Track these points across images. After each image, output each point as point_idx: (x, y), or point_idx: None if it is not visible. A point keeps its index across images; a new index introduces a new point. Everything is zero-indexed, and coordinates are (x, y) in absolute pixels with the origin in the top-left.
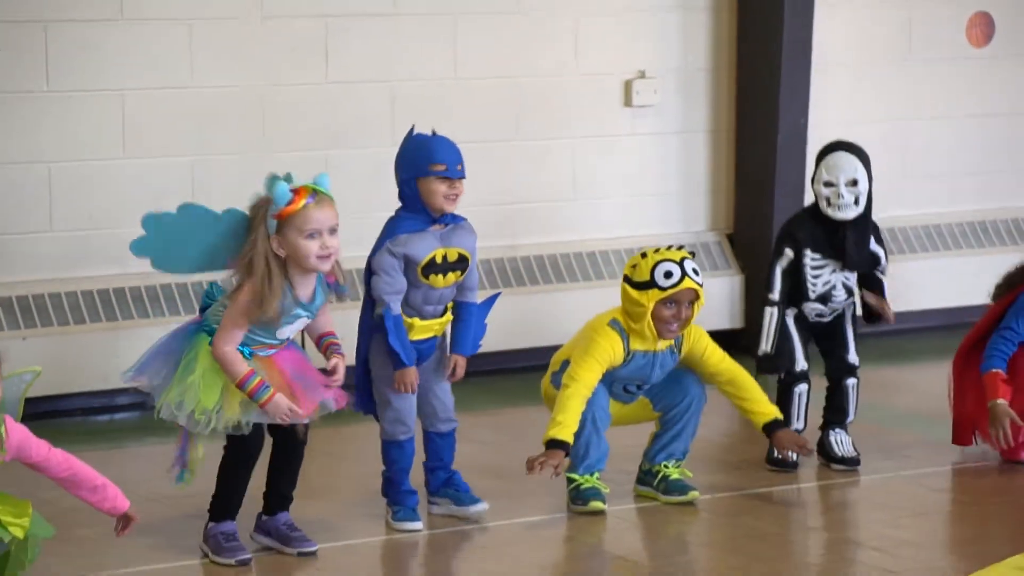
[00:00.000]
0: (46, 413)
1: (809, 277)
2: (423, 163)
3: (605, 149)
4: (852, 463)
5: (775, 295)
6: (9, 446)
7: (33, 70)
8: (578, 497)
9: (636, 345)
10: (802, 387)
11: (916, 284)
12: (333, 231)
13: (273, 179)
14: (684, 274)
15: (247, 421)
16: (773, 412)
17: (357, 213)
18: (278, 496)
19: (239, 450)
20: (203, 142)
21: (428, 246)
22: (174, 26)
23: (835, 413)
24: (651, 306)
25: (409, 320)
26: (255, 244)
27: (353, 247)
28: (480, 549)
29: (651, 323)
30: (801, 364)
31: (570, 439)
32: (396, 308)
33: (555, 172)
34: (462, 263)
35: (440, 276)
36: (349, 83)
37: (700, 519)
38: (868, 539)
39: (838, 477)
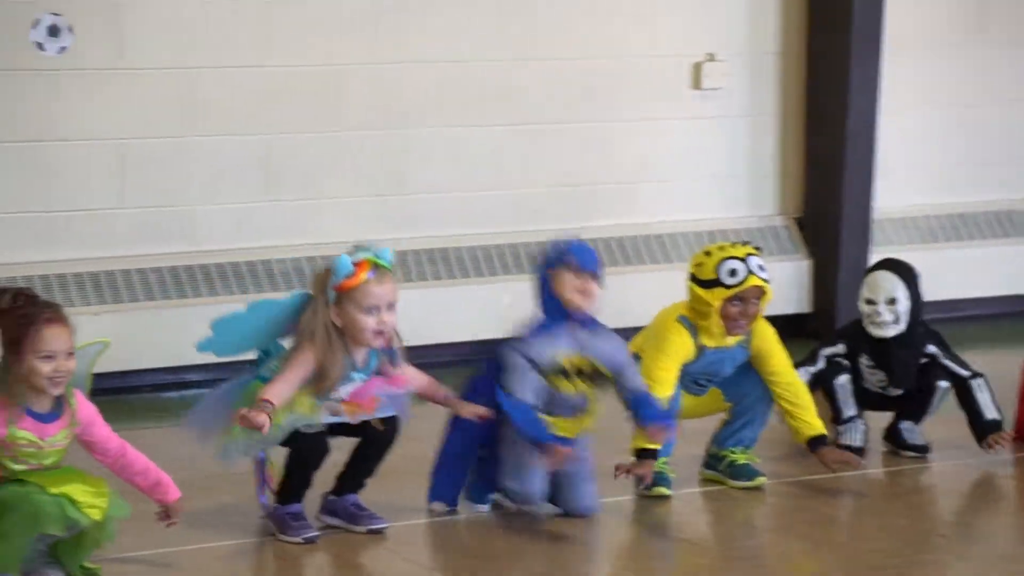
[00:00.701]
0: (116, 389)
1: (866, 375)
2: (556, 259)
3: (673, 132)
4: (922, 451)
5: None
6: (80, 419)
7: (107, 47)
8: (642, 482)
9: (705, 340)
10: (843, 377)
11: (988, 270)
12: (391, 307)
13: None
14: (749, 271)
15: (316, 421)
16: (820, 427)
17: (427, 192)
18: (353, 481)
19: (305, 451)
20: (275, 120)
21: (557, 349)
22: (249, 4)
23: (916, 409)
24: (718, 304)
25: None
26: (315, 314)
27: (423, 227)
28: (547, 531)
29: (719, 321)
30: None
31: (660, 446)
32: (530, 399)
33: (623, 155)
34: (595, 376)
35: (567, 381)
36: (421, 63)
37: (767, 504)
38: (937, 526)
39: (907, 464)
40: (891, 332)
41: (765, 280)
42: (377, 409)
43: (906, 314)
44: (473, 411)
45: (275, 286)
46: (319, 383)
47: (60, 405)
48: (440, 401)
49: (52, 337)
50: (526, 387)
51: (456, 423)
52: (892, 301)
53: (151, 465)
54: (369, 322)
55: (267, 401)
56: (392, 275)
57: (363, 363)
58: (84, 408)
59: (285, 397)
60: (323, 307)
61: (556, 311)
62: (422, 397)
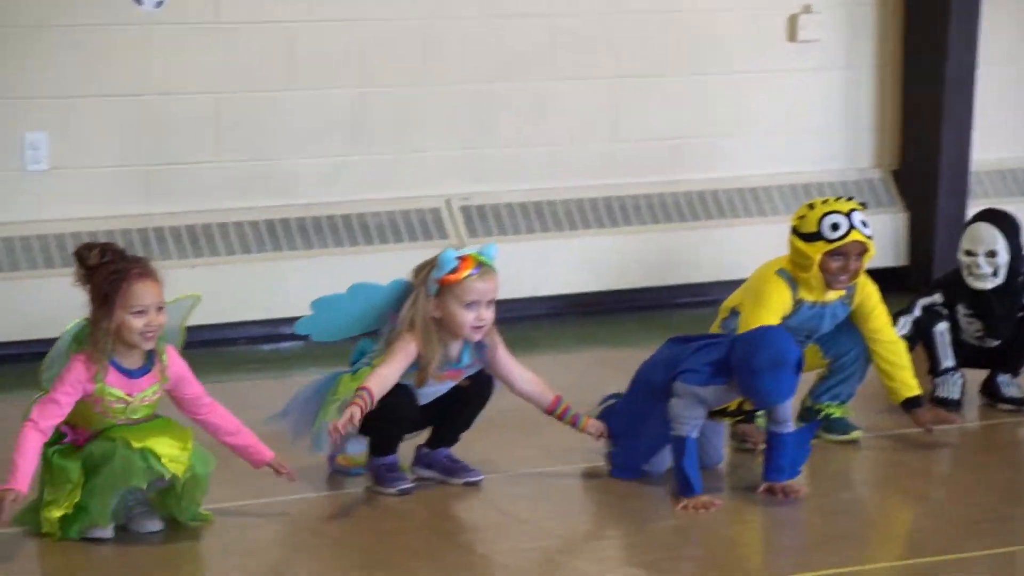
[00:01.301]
0: (212, 342)
1: (963, 325)
2: (742, 377)
3: (768, 85)
4: (1019, 404)
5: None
6: (170, 374)
7: (204, 2)
8: (738, 435)
9: (804, 295)
10: (942, 325)
11: None
12: (491, 304)
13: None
14: (852, 226)
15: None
16: (916, 388)
17: (519, 146)
18: (448, 435)
19: (393, 404)
20: (367, 74)
21: (728, 398)
22: None
23: (1012, 360)
24: (818, 258)
25: None
26: (415, 305)
27: (515, 181)
28: (641, 486)
29: (819, 274)
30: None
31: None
32: (693, 433)
33: (718, 108)
34: (751, 415)
35: (727, 417)
36: (510, 17)
37: (862, 457)
38: None
39: (1004, 417)
40: (989, 284)
41: (868, 237)
42: (464, 375)
43: (1005, 267)
44: (597, 428)
45: (368, 239)
46: (417, 374)
47: (150, 360)
48: (552, 411)
49: (143, 291)
50: (697, 416)
51: (634, 396)
52: (992, 254)
53: (242, 428)
54: (469, 317)
55: (365, 389)
56: (495, 273)
57: (456, 357)
58: (175, 364)
59: (387, 386)
60: (423, 299)
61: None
62: (528, 401)
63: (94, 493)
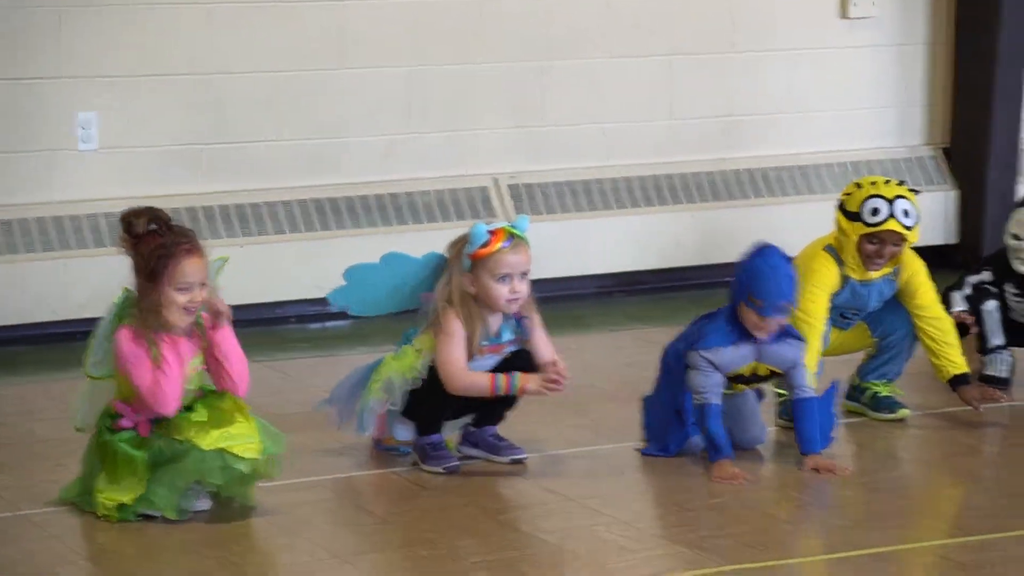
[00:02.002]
0: (262, 320)
1: (1012, 304)
2: (745, 291)
3: (820, 61)
4: None
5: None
6: (209, 337)
7: None
8: (785, 412)
9: (850, 272)
10: (991, 303)
11: None
12: (524, 275)
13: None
14: (891, 214)
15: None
16: (963, 366)
17: (570, 124)
18: (493, 413)
19: (436, 381)
20: (418, 52)
21: (739, 360)
22: None
23: None
24: (855, 238)
25: None
26: (450, 281)
27: (567, 159)
28: (684, 465)
29: (855, 254)
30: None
31: (813, 384)
32: (715, 400)
33: (770, 85)
34: (772, 376)
35: (744, 385)
36: None
37: (909, 436)
38: None
39: None
40: None
41: (907, 227)
42: (506, 351)
43: None
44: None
45: (417, 218)
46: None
47: (190, 329)
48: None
49: (190, 269)
50: (714, 382)
51: (666, 377)
52: None
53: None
54: (502, 290)
55: (504, 380)
56: (527, 245)
57: (496, 332)
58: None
59: (462, 366)
60: (457, 274)
61: (741, 329)
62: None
63: (162, 484)
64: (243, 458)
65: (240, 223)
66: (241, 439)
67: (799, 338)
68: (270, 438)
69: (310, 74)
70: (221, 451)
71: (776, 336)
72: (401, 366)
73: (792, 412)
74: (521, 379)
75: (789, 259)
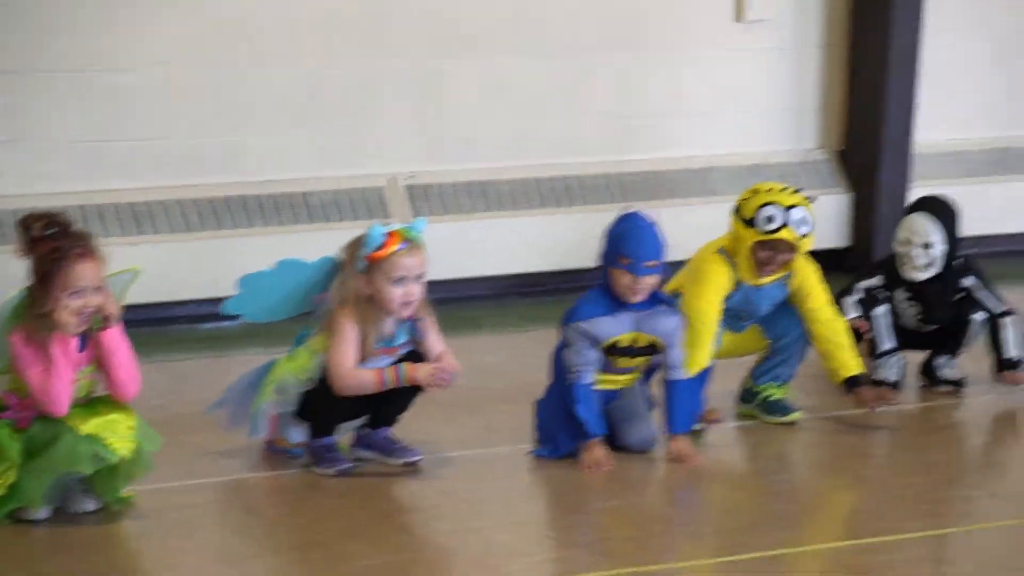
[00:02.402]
0: (154, 320)
1: (902, 309)
2: (614, 253)
3: (716, 65)
4: (958, 385)
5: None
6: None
7: None
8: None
9: (743, 276)
10: (882, 308)
11: None
12: (419, 278)
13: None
14: (786, 223)
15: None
16: (856, 367)
17: (470, 124)
18: (387, 415)
19: (328, 390)
20: (318, 51)
21: (615, 329)
22: None
23: (950, 342)
24: (749, 244)
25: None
26: (345, 282)
27: (464, 160)
28: (576, 465)
29: (748, 258)
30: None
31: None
32: (586, 378)
33: (666, 87)
34: (652, 349)
35: (627, 358)
36: None
37: (801, 439)
38: (972, 462)
39: (942, 399)
40: (924, 275)
41: (800, 236)
42: (399, 353)
43: (941, 257)
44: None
45: (313, 218)
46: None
47: (86, 336)
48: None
49: (82, 273)
50: (587, 359)
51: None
52: (927, 245)
53: (132, 381)
54: (397, 292)
55: (391, 372)
56: (423, 248)
57: (390, 334)
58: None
59: (353, 366)
60: (352, 276)
61: (612, 296)
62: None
63: (31, 474)
64: (114, 450)
65: (133, 222)
66: (118, 431)
67: (671, 304)
68: (147, 437)
69: (207, 71)
70: (95, 438)
71: (650, 302)
72: (294, 367)
73: (663, 391)
74: (408, 369)
75: (654, 222)
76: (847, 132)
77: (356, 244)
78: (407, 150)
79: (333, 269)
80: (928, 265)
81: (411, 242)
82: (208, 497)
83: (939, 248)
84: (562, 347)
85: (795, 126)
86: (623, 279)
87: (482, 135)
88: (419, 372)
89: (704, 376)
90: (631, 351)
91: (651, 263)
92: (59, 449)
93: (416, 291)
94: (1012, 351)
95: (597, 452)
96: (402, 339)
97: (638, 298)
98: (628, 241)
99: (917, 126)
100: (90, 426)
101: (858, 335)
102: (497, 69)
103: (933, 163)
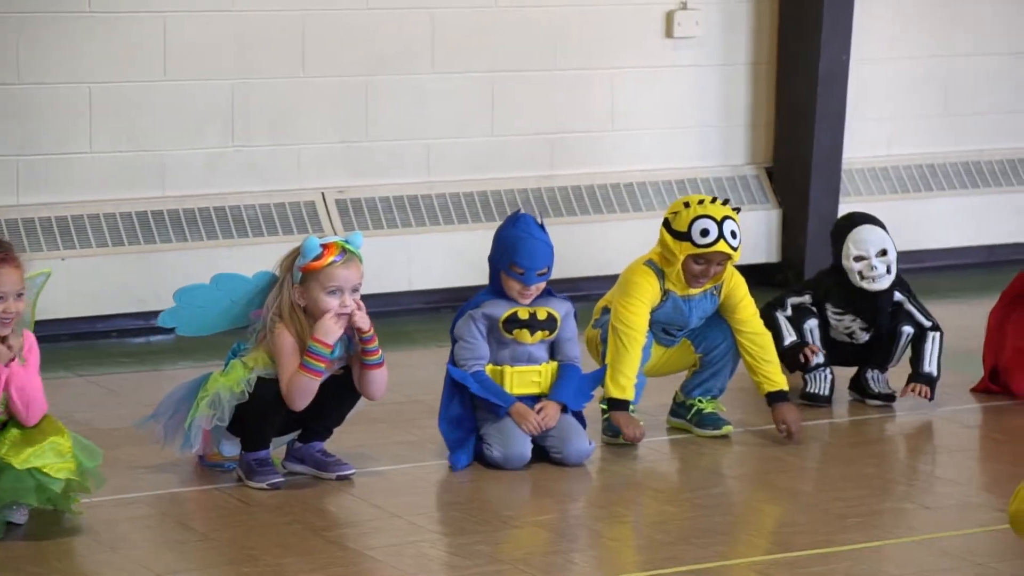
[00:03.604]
0: (83, 334)
1: (833, 323)
2: (506, 260)
3: (645, 80)
4: (887, 399)
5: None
6: (28, 356)
7: None
8: (610, 428)
9: (672, 287)
10: (812, 321)
11: (955, 221)
12: (355, 291)
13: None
14: (720, 236)
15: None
16: (780, 383)
17: (396, 140)
18: (320, 428)
19: (260, 397)
20: (243, 65)
21: (509, 306)
22: None
23: (881, 356)
24: (682, 257)
25: (499, 368)
26: (281, 293)
27: (392, 175)
28: (513, 481)
29: (680, 272)
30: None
31: (631, 396)
32: (476, 368)
33: (594, 103)
34: (551, 323)
35: (526, 331)
36: (389, 9)
37: (733, 452)
38: (902, 475)
39: (872, 413)
40: (886, 283)
41: (734, 248)
42: (336, 367)
43: (894, 263)
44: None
45: (243, 232)
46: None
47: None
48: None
49: (3, 279)
50: (477, 352)
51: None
52: (883, 252)
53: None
54: (332, 303)
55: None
56: (359, 261)
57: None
58: (32, 351)
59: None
60: (288, 286)
61: (504, 296)
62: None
63: None
64: (55, 478)
65: (61, 236)
66: (54, 457)
67: (565, 300)
68: (85, 453)
69: (132, 85)
70: (33, 471)
71: (541, 296)
72: (228, 381)
73: (559, 370)
74: (319, 339)
75: (543, 226)
76: (776, 148)
77: (293, 255)
78: (335, 165)
79: (270, 284)
80: (887, 273)
81: (348, 254)
82: (140, 512)
83: (892, 254)
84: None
85: (724, 142)
86: (515, 285)
87: (406, 150)
88: (329, 330)
89: (599, 374)
90: (531, 324)
91: (542, 271)
92: (3, 484)
93: (351, 303)
94: (928, 366)
95: (521, 409)
96: (339, 353)
97: (527, 301)
98: (520, 251)
99: (846, 142)
100: (24, 457)
101: (805, 360)
102: (419, 84)
103: (862, 179)
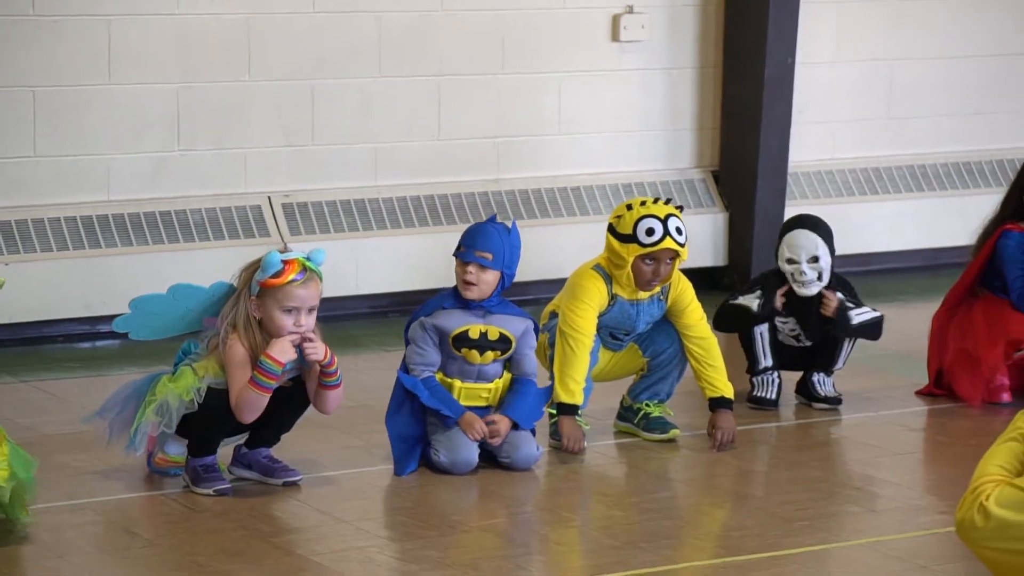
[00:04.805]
0: (29, 339)
1: (779, 325)
2: (457, 248)
3: (591, 84)
4: (833, 403)
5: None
6: None
7: None
8: (558, 433)
9: (619, 291)
10: (761, 325)
11: (899, 224)
12: (311, 311)
13: (272, 252)
14: (666, 233)
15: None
16: (724, 390)
17: (342, 143)
18: (268, 434)
19: (210, 404)
20: (188, 69)
21: (462, 321)
22: None
23: (826, 359)
24: (631, 260)
25: (449, 380)
26: (237, 304)
27: (338, 178)
28: (461, 486)
29: (630, 275)
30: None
31: (580, 401)
32: (425, 374)
33: (540, 107)
34: (503, 343)
35: (475, 352)
36: (335, 13)
37: (681, 456)
38: (848, 478)
39: (818, 416)
40: (815, 289)
41: (680, 244)
42: (286, 377)
43: (827, 269)
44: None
45: (189, 236)
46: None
47: None
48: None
49: None
50: (428, 359)
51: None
52: (814, 259)
53: None
54: (287, 322)
55: (258, 372)
56: (319, 279)
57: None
58: None
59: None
60: (245, 298)
61: (461, 299)
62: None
63: None
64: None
65: (5, 241)
66: None
67: (525, 316)
68: (20, 463)
69: (76, 89)
70: None
71: (500, 305)
72: (178, 388)
73: (511, 386)
74: (272, 355)
75: (506, 227)
76: (722, 151)
77: (253, 267)
78: (281, 169)
79: (227, 295)
80: (817, 279)
81: (308, 273)
82: (86, 518)
83: (825, 260)
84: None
85: (670, 145)
86: (457, 271)
87: (355, 154)
88: (283, 349)
89: (549, 390)
90: (481, 344)
91: (482, 252)
92: None
93: (306, 322)
94: (855, 319)
95: (469, 419)
96: (289, 365)
97: (471, 293)
98: (467, 233)
99: (791, 146)
100: None
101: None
102: (365, 87)
103: (808, 183)
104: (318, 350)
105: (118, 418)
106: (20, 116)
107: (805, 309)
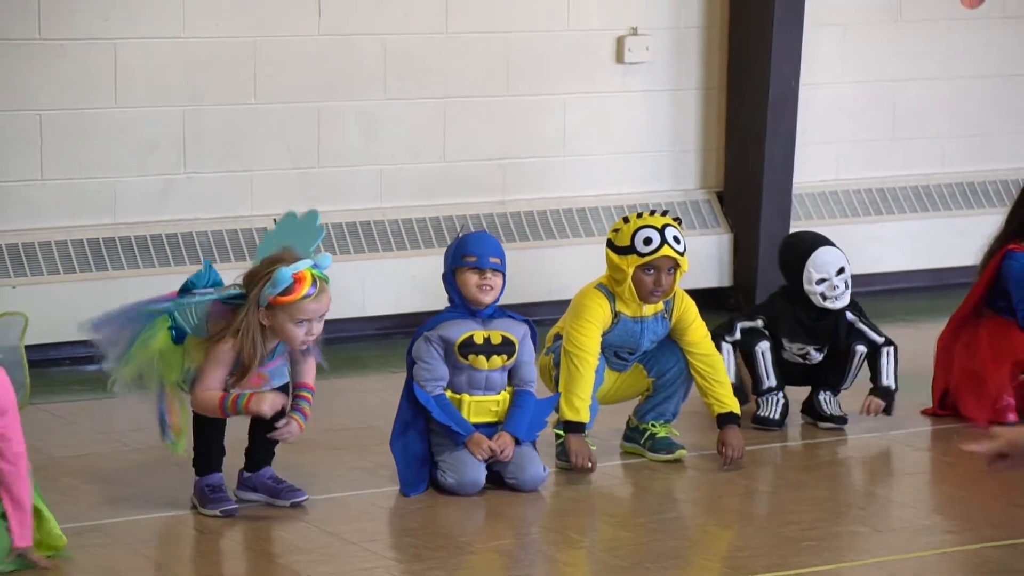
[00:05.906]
0: (36, 362)
1: (786, 345)
2: (458, 257)
3: (596, 106)
4: (840, 422)
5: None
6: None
7: (25, 19)
8: (564, 454)
9: (622, 309)
10: (763, 344)
11: (904, 244)
12: (321, 318)
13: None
14: (664, 241)
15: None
16: (731, 405)
17: (348, 166)
18: (261, 452)
19: (203, 422)
20: (194, 92)
21: (464, 328)
22: None
23: (833, 377)
24: (631, 271)
25: (458, 396)
26: (248, 312)
27: (344, 200)
28: (468, 507)
29: (632, 288)
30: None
31: (587, 419)
32: (437, 391)
33: (545, 128)
34: (507, 347)
35: (482, 357)
36: (341, 36)
37: (687, 476)
38: (854, 498)
39: (824, 436)
40: (847, 300)
41: (679, 252)
42: (265, 383)
43: (849, 278)
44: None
45: (195, 259)
46: (235, 378)
47: None
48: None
49: None
50: (436, 373)
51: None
52: (841, 271)
53: (27, 502)
54: (299, 333)
55: (232, 397)
56: (328, 287)
57: (270, 352)
58: (5, 392)
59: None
60: (254, 308)
61: (463, 305)
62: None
63: None
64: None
65: (12, 264)
66: None
67: (523, 320)
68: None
69: (83, 112)
70: None
71: (498, 313)
72: (170, 376)
73: (512, 398)
74: (249, 399)
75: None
76: (727, 173)
77: (262, 281)
78: (287, 191)
79: (232, 298)
80: (846, 290)
81: (319, 285)
82: (93, 540)
83: (848, 270)
84: (410, 379)
85: (675, 167)
86: (471, 279)
87: (361, 176)
88: (263, 404)
89: (555, 399)
90: (486, 348)
91: (495, 259)
92: None
93: (317, 329)
94: (886, 379)
95: (477, 439)
96: (280, 350)
97: (489, 297)
98: (470, 243)
99: (796, 167)
100: None
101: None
102: (370, 110)
103: (812, 203)
104: (292, 432)
105: (110, 337)
106: (27, 139)
107: (826, 329)
